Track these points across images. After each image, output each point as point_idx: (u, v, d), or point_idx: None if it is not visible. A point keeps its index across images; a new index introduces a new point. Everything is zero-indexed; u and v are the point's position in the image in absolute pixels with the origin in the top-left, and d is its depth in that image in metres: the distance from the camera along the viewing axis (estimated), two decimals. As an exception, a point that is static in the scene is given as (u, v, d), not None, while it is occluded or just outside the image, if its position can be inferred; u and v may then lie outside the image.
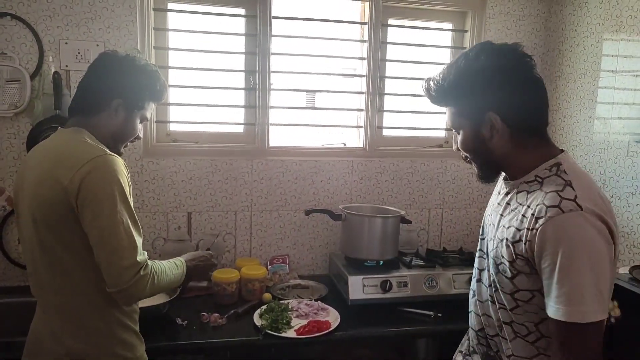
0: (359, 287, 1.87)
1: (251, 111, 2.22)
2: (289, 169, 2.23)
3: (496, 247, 1.09)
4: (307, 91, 2.25)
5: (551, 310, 0.95)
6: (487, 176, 1.16)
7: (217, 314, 1.77)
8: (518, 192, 1.08)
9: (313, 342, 1.66)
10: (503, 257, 1.05)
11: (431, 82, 1.12)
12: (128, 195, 1.17)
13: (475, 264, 1.25)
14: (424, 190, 2.40)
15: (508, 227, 1.05)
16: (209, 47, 2.12)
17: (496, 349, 1.15)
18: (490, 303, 1.14)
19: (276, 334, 1.65)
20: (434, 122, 2.51)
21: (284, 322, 1.72)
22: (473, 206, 2.46)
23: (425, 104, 2.50)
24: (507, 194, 1.13)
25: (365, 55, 2.27)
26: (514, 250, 1.02)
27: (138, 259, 1.15)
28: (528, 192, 1.05)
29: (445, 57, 2.43)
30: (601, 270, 0.93)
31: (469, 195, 2.45)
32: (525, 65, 1.06)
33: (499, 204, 1.15)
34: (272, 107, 2.20)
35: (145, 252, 1.20)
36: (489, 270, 1.14)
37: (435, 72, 1.12)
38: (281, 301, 1.89)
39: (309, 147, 2.28)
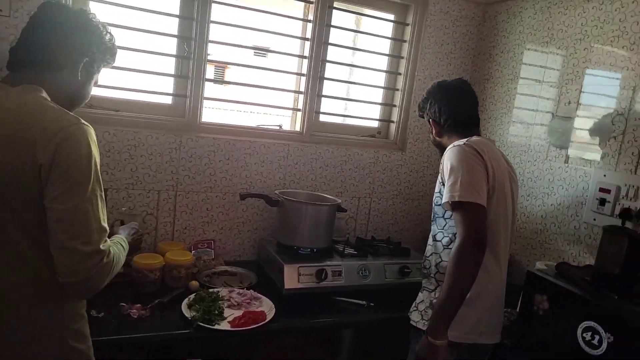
0: (295, 276, 1.81)
1: (182, 82, 2.02)
2: (221, 148, 2.08)
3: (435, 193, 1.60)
4: (247, 67, 2.10)
5: (444, 199, 1.43)
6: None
7: (139, 305, 1.59)
8: None
9: (248, 334, 1.57)
10: (436, 192, 1.57)
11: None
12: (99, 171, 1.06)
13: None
14: (355, 179, 2.39)
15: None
16: (138, 5, 1.87)
17: (428, 265, 1.59)
18: (430, 235, 1.61)
19: (209, 326, 1.53)
20: (369, 112, 2.51)
21: (216, 312, 1.60)
22: (399, 197, 2.52)
23: (361, 92, 2.52)
24: None
25: (309, 36, 2.18)
26: (440, 181, 1.54)
27: (102, 246, 1.03)
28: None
29: (385, 47, 2.43)
30: (471, 173, 1.39)
31: (397, 186, 2.50)
32: (452, 91, 1.65)
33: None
34: (208, 80, 2.02)
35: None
36: (432, 211, 1.62)
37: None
38: (210, 290, 1.76)
39: (244, 127, 2.15)
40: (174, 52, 1.99)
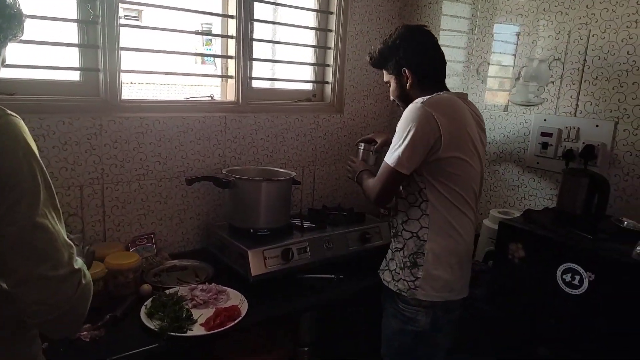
0: (260, 261, 1.66)
1: (91, 53, 1.68)
2: (150, 128, 1.80)
3: None
4: (166, 30, 1.80)
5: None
6: None
7: (87, 325, 1.34)
8: None
9: (226, 334, 1.41)
10: None
11: (372, 53, 1.60)
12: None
13: None
14: (298, 148, 2.25)
15: None
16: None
17: (395, 224, 1.56)
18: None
19: (182, 334, 1.34)
20: (301, 74, 2.35)
21: (184, 317, 1.41)
22: (341, 161, 2.44)
23: (290, 54, 2.34)
24: None
25: (235, -8, 1.93)
26: None
27: (75, 265, 0.84)
28: None
29: (311, 3, 2.26)
30: (413, 141, 1.35)
31: (338, 150, 2.42)
32: (428, 37, 1.53)
33: None
34: (124, 49, 1.70)
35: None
36: None
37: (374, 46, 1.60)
38: (167, 291, 1.55)
39: (172, 101, 1.88)
40: (76, 17, 1.64)
